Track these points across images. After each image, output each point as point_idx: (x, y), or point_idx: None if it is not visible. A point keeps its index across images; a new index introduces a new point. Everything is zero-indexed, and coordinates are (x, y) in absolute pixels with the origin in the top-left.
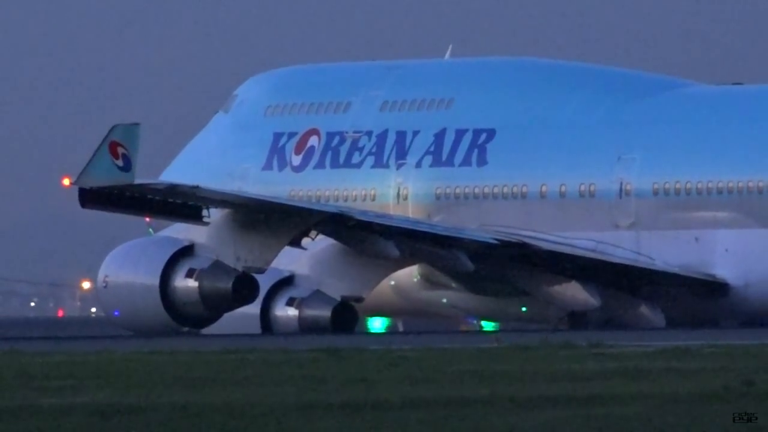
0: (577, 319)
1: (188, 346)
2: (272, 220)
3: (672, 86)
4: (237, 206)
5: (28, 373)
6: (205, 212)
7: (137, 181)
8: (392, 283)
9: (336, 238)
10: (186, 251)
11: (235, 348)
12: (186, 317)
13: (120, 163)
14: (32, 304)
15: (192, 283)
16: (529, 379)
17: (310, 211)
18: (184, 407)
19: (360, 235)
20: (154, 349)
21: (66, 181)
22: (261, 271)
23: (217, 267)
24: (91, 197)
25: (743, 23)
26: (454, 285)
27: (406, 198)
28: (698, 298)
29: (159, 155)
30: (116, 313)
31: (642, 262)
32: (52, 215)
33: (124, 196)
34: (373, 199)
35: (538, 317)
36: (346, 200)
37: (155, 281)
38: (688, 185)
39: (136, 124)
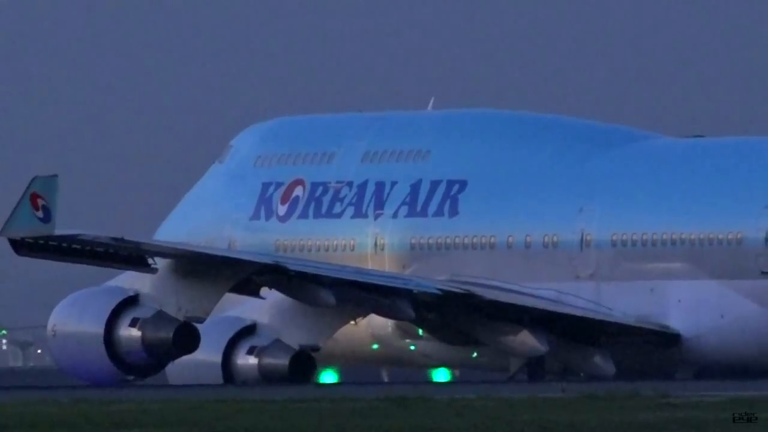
0: (535, 368)
1: (255, 395)
2: (211, 270)
3: (637, 138)
4: (177, 256)
5: (94, 421)
6: (151, 260)
7: (57, 232)
8: (370, 331)
9: (276, 288)
10: (131, 301)
11: (301, 397)
12: (131, 366)
13: (40, 214)
14: None
15: (135, 333)
16: (596, 429)
17: (246, 262)
18: None
19: (298, 285)
20: (220, 397)
21: None
22: (201, 320)
23: (160, 317)
24: (24, 247)
25: (711, 75)
26: (424, 334)
27: (383, 248)
28: (652, 349)
29: (166, 205)
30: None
31: (599, 312)
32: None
33: (59, 246)
34: (353, 249)
35: (495, 366)
36: (327, 250)
37: (100, 330)
38: (644, 236)
39: (54, 176)
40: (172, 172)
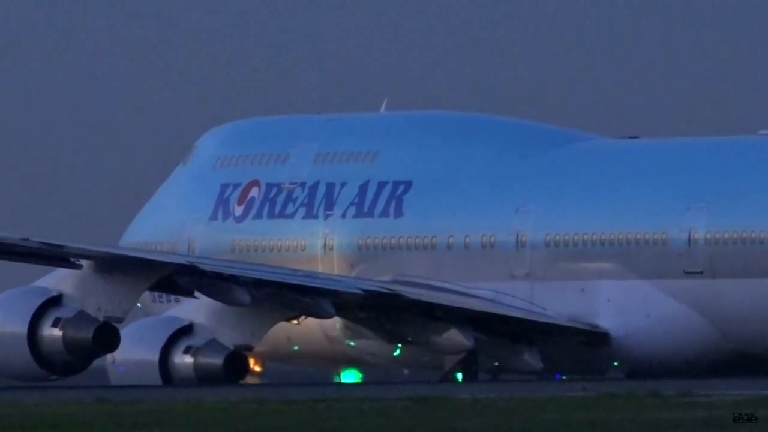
0: (468, 365)
1: (276, 395)
2: (129, 271)
3: (575, 139)
4: (91, 257)
5: (116, 422)
6: (74, 258)
7: None
8: (326, 332)
9: (195, 288)
10: (55, 301)
11: (324, 396)
12: (54, 366)
13: None
14: None
15: (57, 333)
16: (616, 428)
17: (158, 263)
18: None
19: (213, 284)
20: (242, 397)
21: None
22: (120, 320)
23: (81, 317)
24: None
25: (647, 76)
26: (371, 334)
27: (332, 249)
28: (582, 347)
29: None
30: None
31: (531, 312)
32: None
33: None
34: (303, 250)
35: (430, 364)
36: (280, 250)
37: (24, 330)
38: (576, 237)
39: None
40: (142, 172)
